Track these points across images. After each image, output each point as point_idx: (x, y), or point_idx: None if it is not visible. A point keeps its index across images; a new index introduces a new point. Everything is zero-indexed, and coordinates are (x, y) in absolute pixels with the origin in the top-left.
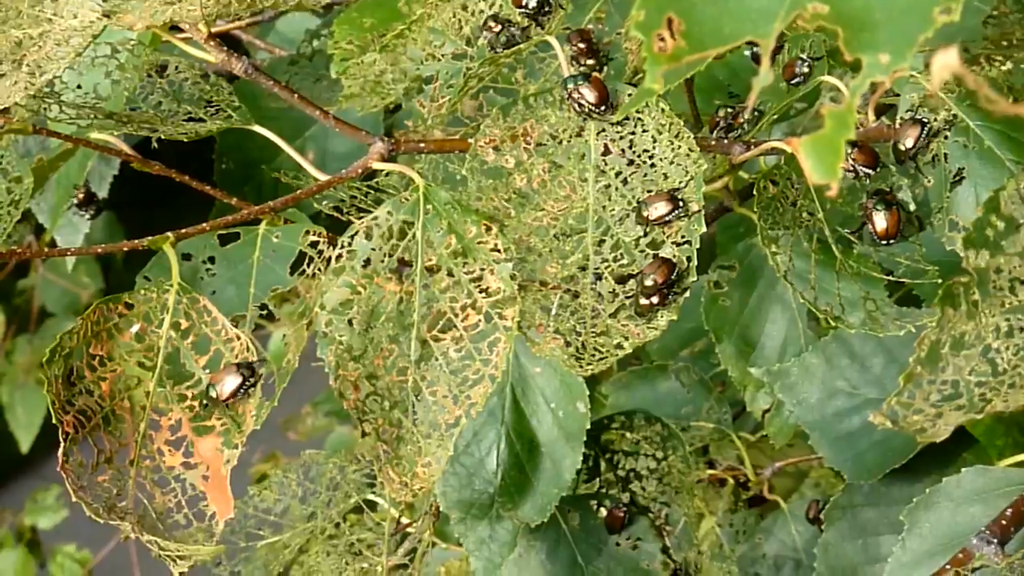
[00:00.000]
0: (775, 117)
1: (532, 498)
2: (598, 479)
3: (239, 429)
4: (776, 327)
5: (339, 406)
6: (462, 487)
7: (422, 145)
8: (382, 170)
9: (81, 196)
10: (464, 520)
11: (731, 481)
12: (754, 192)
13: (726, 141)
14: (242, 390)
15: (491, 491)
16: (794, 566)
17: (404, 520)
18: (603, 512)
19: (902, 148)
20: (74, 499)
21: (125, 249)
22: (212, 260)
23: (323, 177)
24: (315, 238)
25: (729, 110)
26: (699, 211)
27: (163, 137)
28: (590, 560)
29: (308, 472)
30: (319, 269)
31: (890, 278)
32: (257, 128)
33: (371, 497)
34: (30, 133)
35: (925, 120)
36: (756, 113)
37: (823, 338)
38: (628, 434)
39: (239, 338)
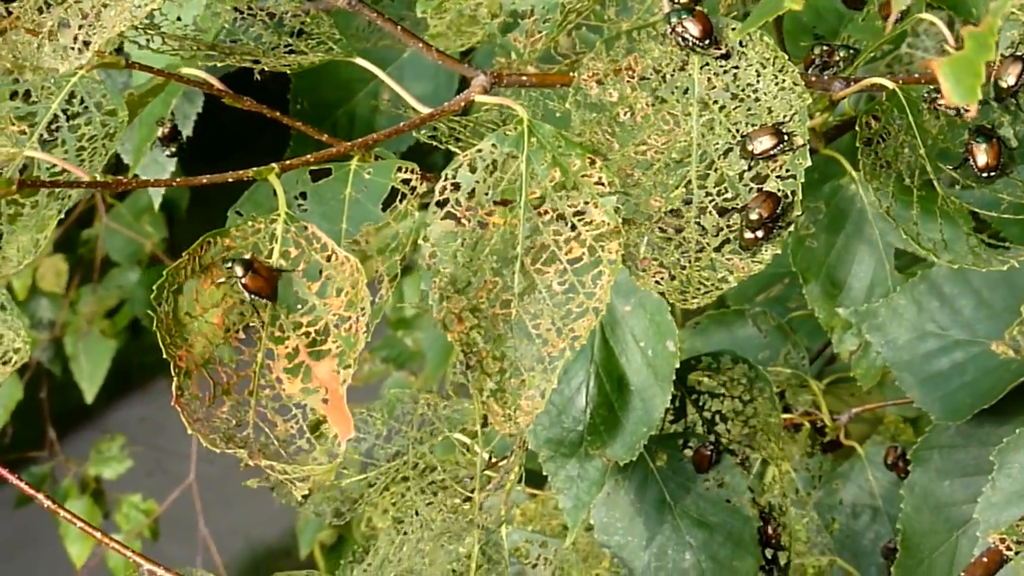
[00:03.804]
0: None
1: (621, 436)
2: (684, 420)
3: (352, 348)
4: (863, 268)
5: (396, 352)
6: (551, 425)
7: (524, 79)
8: (482, 104)
9: (166, 131)
10: (553, 458)
11: (807, 426)
12: (856, 128)
13: (826, 78)
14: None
15: (580, 429)
16: (872, 514)
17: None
18: (689, 451)
19: (1003, 85)
20: (190, 432)
21: (230, 180)
22: (304, 196)
23: (424, 110)
24: (407, 175)
25: (825, 48)
26: (804, 145)
27: (266, 69)
28: (679, 499)
29: (393, 411)
30: (412, 205)
31: (989, 213)
32: (359, 60)
33: (459, 435)
34: (123, 67)
35: None
36: (851, 51)
37: (911, 279)
38: (714, 375)
39: (349, 260)
